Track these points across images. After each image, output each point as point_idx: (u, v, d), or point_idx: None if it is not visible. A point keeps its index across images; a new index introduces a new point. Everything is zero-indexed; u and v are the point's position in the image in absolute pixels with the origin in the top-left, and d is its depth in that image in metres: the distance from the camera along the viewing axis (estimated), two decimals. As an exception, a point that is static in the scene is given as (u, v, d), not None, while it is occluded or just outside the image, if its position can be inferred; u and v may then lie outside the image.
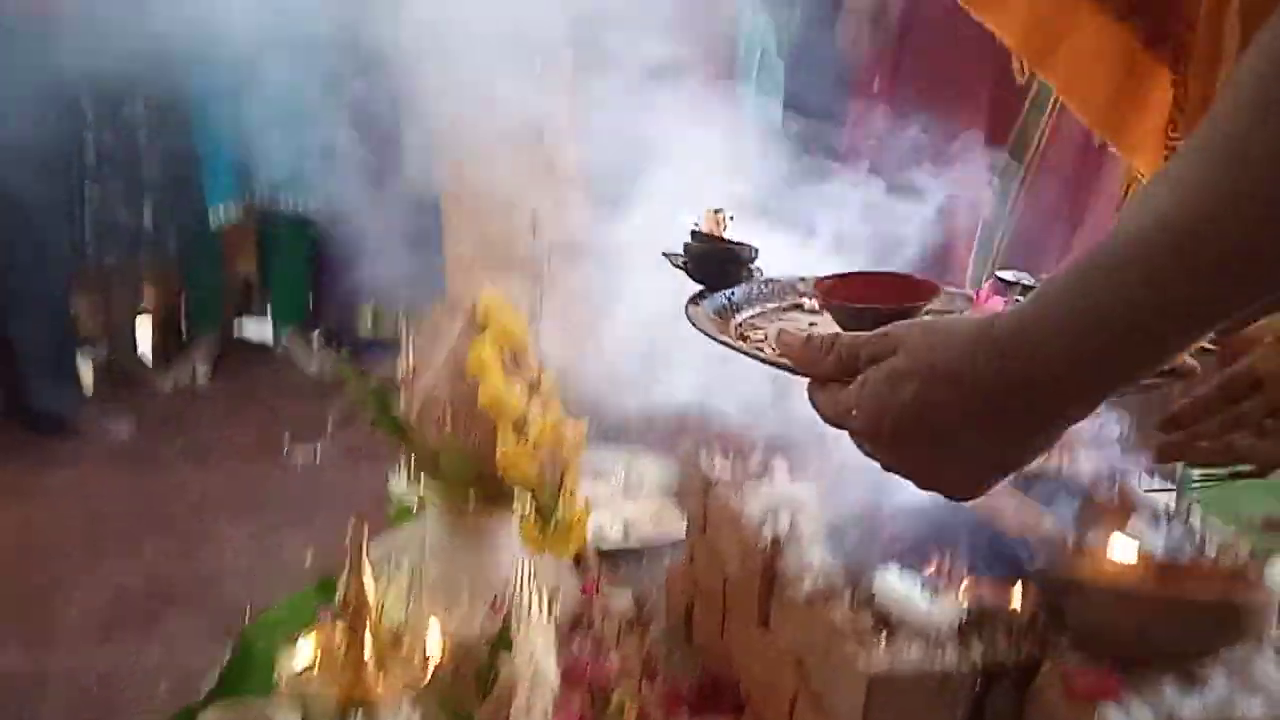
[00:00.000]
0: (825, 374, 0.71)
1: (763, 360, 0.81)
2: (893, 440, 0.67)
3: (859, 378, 0.67)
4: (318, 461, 2.48)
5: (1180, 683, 1.03)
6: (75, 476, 2.38)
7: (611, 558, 1.97)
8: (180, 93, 2.89)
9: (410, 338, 1.33)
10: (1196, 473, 2.67)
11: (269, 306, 3.42)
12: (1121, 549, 1.23)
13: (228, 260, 3.23)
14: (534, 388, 1.26)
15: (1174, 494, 1.48)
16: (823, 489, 1.43)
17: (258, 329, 3.51)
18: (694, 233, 0.94)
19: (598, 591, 1.53)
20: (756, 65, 3.36)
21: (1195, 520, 1.46)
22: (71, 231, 2.63)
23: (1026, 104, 2.58)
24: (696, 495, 1.57)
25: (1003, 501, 1.30)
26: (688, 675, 1.42)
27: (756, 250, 0.94)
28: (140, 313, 3.27)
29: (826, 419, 0.72)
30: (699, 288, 0.92)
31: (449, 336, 1.25)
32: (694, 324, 0.85)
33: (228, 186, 3.01)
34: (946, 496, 0.71)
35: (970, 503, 0.84)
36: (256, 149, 2.91)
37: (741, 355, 0.83)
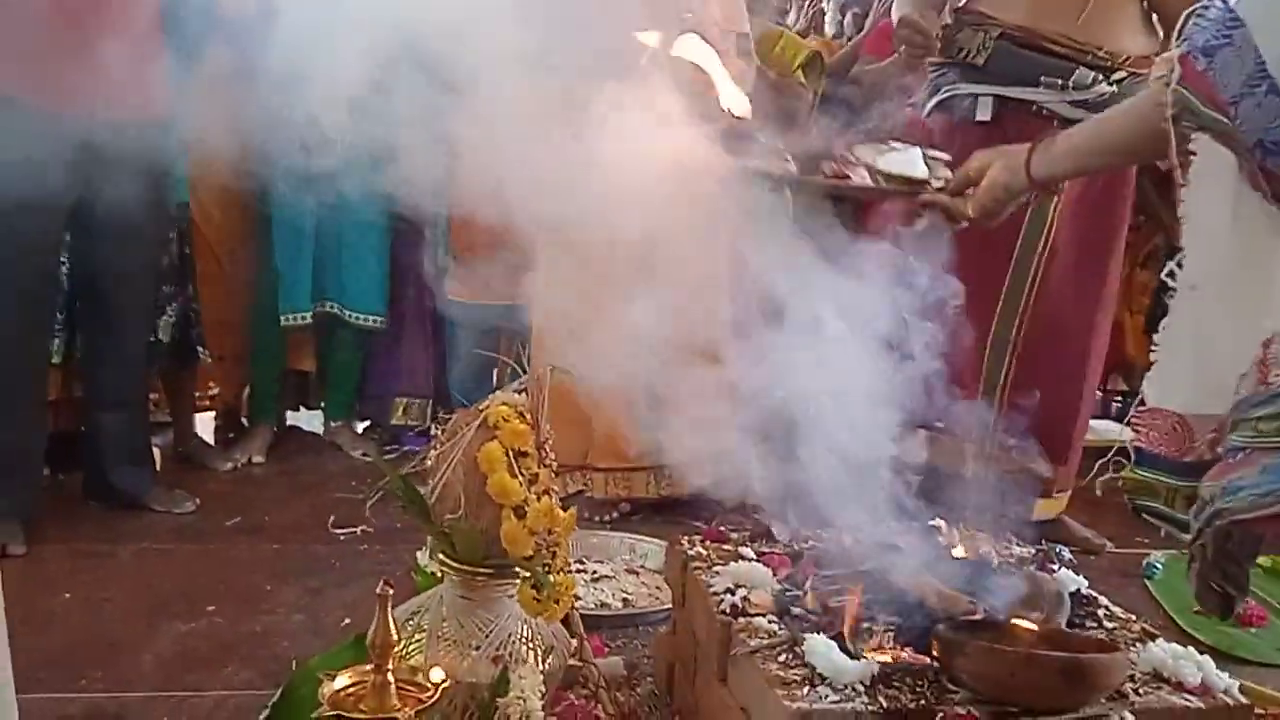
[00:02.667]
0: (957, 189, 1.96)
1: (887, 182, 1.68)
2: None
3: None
4: (359, 534, 2.74)
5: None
6: (147, 546, 2.66)
7: (611, 625, 2.21)
8: (265, 210, 3.28)
9: (437, 437, 1.61)
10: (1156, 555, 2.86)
11: (322, 400, 3.73)
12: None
13: (289, 357, 3.54)
14: (533, 480, 1.52)
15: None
16: (779, 570, 1.70)
17: (310, 419, 3.82)
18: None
19: (588, 654, 1.77)
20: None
21: (1101, 600, 1.69)
22: (151, 334, 2.94)
23: None
24: (677, 572, 1.82)
25: (930, 587, 1.54)
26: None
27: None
28: (206, 405, 3.58)
29: (963, 215, 1.94)
30: None
31: (465, 437, 1.52)
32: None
33: (300, 297, 3.36)
34: None
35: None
36: (328, 265, 3.31)
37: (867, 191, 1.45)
